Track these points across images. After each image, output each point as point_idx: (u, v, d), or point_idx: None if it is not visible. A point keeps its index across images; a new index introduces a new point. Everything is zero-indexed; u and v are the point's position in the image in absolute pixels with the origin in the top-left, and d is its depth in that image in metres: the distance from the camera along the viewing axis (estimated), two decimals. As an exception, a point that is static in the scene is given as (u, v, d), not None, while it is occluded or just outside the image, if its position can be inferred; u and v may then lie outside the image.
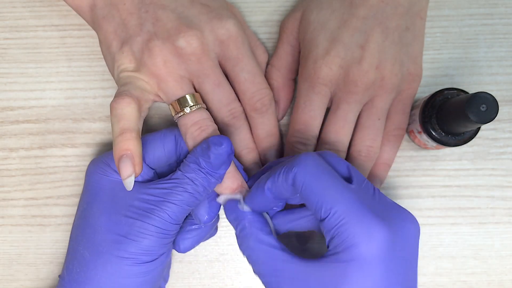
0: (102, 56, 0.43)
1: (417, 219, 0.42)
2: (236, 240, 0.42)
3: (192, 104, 0.35)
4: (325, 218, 0.29)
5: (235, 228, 0.35)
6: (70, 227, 0.38)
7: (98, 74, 0.43)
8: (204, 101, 0.37)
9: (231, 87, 0.38)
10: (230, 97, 0.37)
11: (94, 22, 0.38)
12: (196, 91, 0.37)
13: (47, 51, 0.43)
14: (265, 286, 0.32)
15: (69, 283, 0.34)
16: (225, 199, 0.36)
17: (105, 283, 0.33)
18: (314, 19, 0.39)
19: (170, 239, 0.34)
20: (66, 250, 0.37)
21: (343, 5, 0.38)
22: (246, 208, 0.34)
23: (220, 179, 0.34)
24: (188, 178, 0.33)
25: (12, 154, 0.43)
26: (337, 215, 0.29)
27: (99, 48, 0.42)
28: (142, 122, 0.35)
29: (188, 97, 0.35)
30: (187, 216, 0.39)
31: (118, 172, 0.35)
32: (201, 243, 0.42)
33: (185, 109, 0.35)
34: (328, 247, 0.30)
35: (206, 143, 0.33)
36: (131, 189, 0.33)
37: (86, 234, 0.35)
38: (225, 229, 0.43)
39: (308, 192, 0.30)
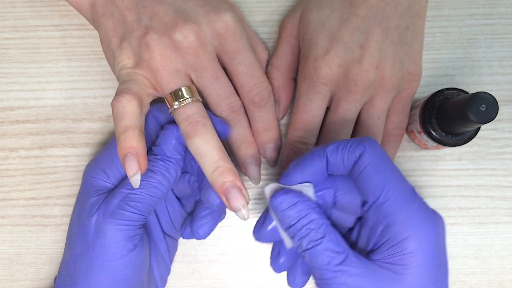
0: (102, 56, 0.43)
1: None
2: (235, 240, 0.42)
3: (187, 97, 0.35)
4: (385, 202, 0.29)
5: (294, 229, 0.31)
6: (70, 227, 0.38)
7: (98, 74, 0.43)
8: (202, 96, 0.37)
9: (229, 81, 0.37)
10: (228, 91, 0.37)
11: (95, 20, 0.38)
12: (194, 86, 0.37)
13: (47, 51, 0.43)
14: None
15: (59, 287, 0.36)
16: (273, 188, 0.33)
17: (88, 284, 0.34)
18: (314, 19, 0.39)
19: (137, 231, 0.34)
20: (66, 250, 0.37)
21: (343, 5, 0.38)
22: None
23: (178, 163, 0.35)
24: (148, 169, 0.34)
25: (12, 154, 0.43)
26: (397, 202, 0.29)
27: (99, 48, 0.42)
28: (144, 118, 0.35)
29: (183, 89, 0.35)
30: (197, 203, 0.39)
31: (108, 174, 0.36)
32: (201, 243, 0.42)
33: (174, 104, 0.35)
34: (373, 238, 0.30)
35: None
36: (138, 186, 0.33)
37: (68, 237, 0.36)
38: (225, 229, 0.43)
39: (372, 170, 0.30)
